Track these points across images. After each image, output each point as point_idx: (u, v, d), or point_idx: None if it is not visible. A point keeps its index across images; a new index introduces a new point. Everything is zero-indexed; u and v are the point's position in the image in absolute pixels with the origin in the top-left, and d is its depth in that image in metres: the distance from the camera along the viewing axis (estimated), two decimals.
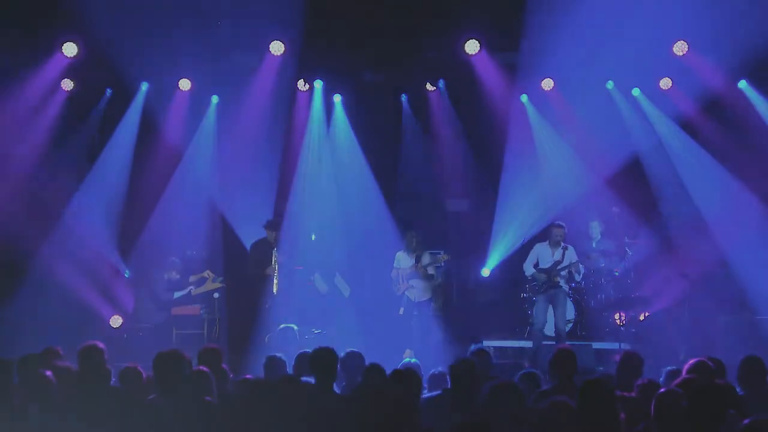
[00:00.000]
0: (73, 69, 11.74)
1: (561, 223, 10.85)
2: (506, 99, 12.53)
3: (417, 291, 10.88)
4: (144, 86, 12.42)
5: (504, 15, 11.38)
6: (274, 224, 10.83)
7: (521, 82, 12.40)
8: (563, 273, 10.51)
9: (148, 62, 11.85)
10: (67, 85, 11.96)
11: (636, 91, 12.55)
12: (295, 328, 8.97)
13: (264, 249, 10.62)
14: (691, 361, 5.64)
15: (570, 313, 11.08)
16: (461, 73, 12.18)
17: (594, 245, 11.55)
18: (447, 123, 12.94)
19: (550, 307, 10.71)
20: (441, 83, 12.79)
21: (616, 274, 11.50)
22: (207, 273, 11.23)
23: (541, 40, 11.63)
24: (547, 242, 10.68)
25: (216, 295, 11.11)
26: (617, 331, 10.74)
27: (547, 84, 12.42)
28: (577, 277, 10.73)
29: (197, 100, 12.60)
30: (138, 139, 12.52)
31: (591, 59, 11.60)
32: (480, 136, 12.72)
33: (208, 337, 10.91)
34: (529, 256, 10.78)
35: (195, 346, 8.38)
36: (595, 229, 11.55)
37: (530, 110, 12.85)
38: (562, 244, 10.61)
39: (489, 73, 12.10)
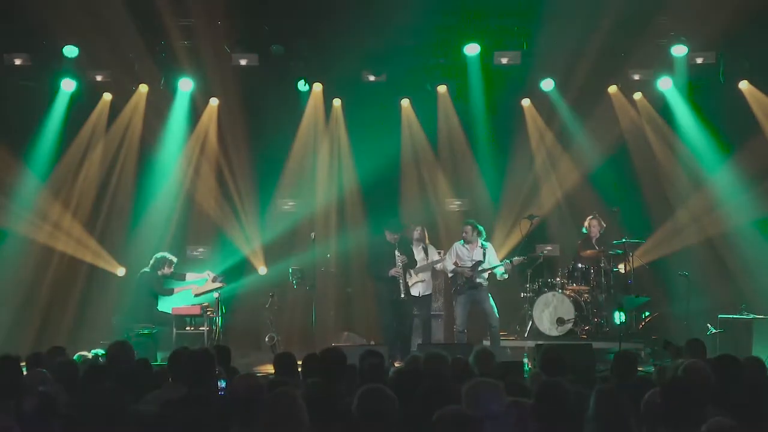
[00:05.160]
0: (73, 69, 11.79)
1: (469, 220, 10.93)
2: (507, 100, 12.55)
3: (423, 285, 10.88)
4: (143, 88, 12.44)
5: (505, 16, 11.40)
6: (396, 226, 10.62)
7: (521, 83, 12.42)
8: (484, 275, 10.55)
9: (147, 63, 11.91)
10: (68, 85, 11.99)
11: (638, 95, 12.57)
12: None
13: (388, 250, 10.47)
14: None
15: (570, 312, 11.08)
16: (462, 74, 12.19)
17: (594, 243, 11.55)
18: (447, 124, 12.94)
19: (548, 309, 10.87)
20: (442, 85, 12.78)
21: (616, 270, 11.49)
22: (207, 273, 11.21)
23: (542, 41, 11.68)
24: (462, 241, 10.72)
25: (216, 295, 11.09)
26: (617, 331, 10.72)
27: (547, 84, 12.42)
28: (504, 276, 10.79)
29: (196, 101, 12.61)
30: (132, 138, 12.55)
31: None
32: (480, 137, 12.71)
33: (208, 336, 10.90)
34: (448, 255, 10.81)
35: (195, 346, 8.39)
36: (594, 227, 11.53)
37: (530, 112, 12.87)
38: (480, 242, 10.65)
39: (489, 74, 12.10)
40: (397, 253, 10.35)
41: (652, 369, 7.66)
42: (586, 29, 11.28)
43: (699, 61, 11.84)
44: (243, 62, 11.93)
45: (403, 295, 10.37)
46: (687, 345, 6.64)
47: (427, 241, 11.09)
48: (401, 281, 10.36)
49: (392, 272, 10.30)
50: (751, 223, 11.87)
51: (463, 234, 10.71)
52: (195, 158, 12.80)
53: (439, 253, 11.22)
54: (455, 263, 10.64)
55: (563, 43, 11.61)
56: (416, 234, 10.96)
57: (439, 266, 10.93)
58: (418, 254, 10.86)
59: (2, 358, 5.23)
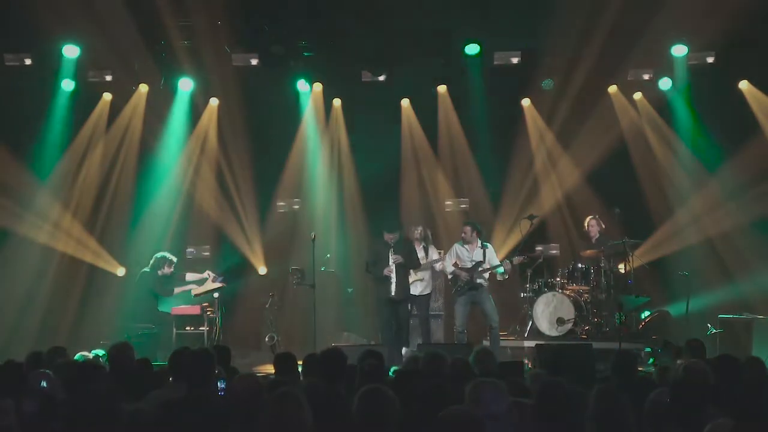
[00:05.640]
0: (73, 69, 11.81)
1: (469, 221, 10.93)
2: (507, 100, 12.55)
3: (422, 284, 10.85)
4: (143, 88, 12.44)
5: (505, 16, 11.41)
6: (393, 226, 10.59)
7: (522, 84, 12.43)
8: (485, 275, 10.56)
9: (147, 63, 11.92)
10: (68, 85, 12.00)
11: (638, 95, 12.58)
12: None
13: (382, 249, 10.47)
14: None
15: (570, 312, 11.08)
16: (462, 74, 12.20)
17: (593, 243, 11.54)
18: (447, 124, 12.94)
19: (548, 309, 10.93)
20: (442, 85, 12.79)
21: (616, 270, 11.49)
22: (207, 273, 11.21)
23: (542, 41, 11.70)
24: (461, 241, 10.73)
25: (216, 295, 11.08)
26: (617, 331, 10.73)
27: (547, 84, 12.42)
28: (504, 276, 10.83)
29: (196, 101, 12.61)
30: (132, 138, 12.56)
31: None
32: (481, 137, 12.71)
33: (208, 336, 10.90)
34: (448, 255, 10.81)
35: (195, 346, 8.41)
36: (593, 226, 11.52)
37: (530, 112, 12.87)
38: (480, 242, 10.66)
39: (489, 74, 12.10)
40: (390, 252, 10.32)
41: (653, 369, 7.66)
42: (587, 29, 11.29)
43: (699, 61, 11.85)
44: (243, 62, 11.95)
45: (392, 295, 10.33)
46: (687, 345, 6.64)
47: (429, 240, 11.05)
48: (393, 281, 10.32)
49: (385, 272, 10.29)
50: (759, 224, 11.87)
51: (462, 234, 10.71)
52: (195, 158, 12.81)
53: (440, 253, 11.22)
54: (455, 264, 10.64)
55: (563, 43, 11.63)
56: (417, 233, 10.93)
57: (438, 266, 10.92)
58: (419, 253, 10.83)
59: (6, 363, 5.28)
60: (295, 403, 3.98)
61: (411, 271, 10.67)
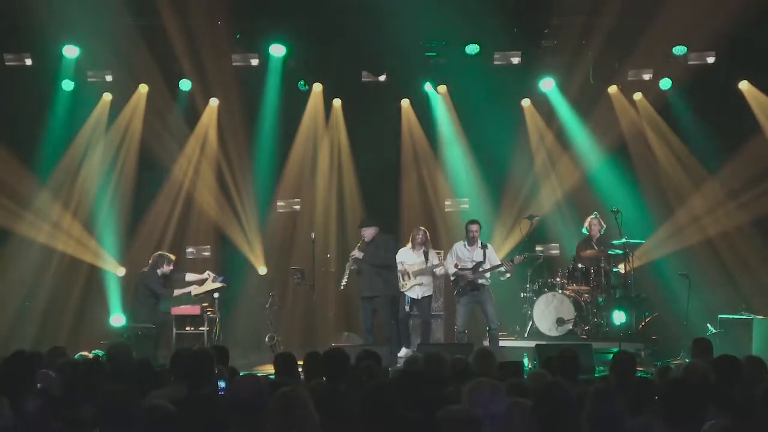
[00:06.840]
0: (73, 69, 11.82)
1: (475, 219, 10.93)
2: (507, 100, 12.55)
3: (422, 288, 10.82)
4: (143, 88, 12.45)
5: (505, 16, 11.42)
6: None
7: (521, 83, 12.44)
8: (487, 275, 10.56)
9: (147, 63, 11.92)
10: (68, 85, 12.01)
11: (638, 95, 12.58)
12: None
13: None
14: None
15: (570, 312, 11.08)
16: (462, 74, 12.20)
17: (593, 243, 11.54)
18: (447, 124, 12.94)
19: (548, 309, 10.93)
20: (442, 85, 12.79)
21: (616, 270, 11.49)
22: (207, 273, 11.20)
23: (542, 41, 11.71)
24: (464, 241, 10.72)
25: (216, 295, 11.08)
26: (617, 331, 10.73)
27: (547, 84, 12.44)
28: (501, 278, 10.86)
29: (196, 101, 12.61)
30: (132, 138, 12.56)
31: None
32: (481, 137, 12.70)
33: (208, 336, 10.90)
34: (449, 256, 10.81)
35: (195, 346, 8.42)
36: (594, 226, 11.51)
37: (530, 112, 12.87)
38: (480, 242, 10.66)
39: (489, 74, 12.10)
40: (357, 248, 10.41)
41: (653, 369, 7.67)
42: (587, 29, 11.30)
43: (699, 61, 11.86)
44: (243, 62, 11.95)
45: (341, 287, 10.60)
46: (694, 343, 6.63)
47: (429, 245, 10.98)
48: (344, 277, 10.52)
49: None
50: None
51: (474, 233, 10.65)
52: (195, 158, 12.80)
53: (439, 254, 11.21)
54: (456, 264, 10.63)
55: (563, 43, 11.64)
56: (419, 238, 10.84)
57: (438, 271, 10.90)
58: (418, 257, 10.77)
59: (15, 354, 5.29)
60: (302, 403, 3.98)
61: (410, 274, 10.66)
